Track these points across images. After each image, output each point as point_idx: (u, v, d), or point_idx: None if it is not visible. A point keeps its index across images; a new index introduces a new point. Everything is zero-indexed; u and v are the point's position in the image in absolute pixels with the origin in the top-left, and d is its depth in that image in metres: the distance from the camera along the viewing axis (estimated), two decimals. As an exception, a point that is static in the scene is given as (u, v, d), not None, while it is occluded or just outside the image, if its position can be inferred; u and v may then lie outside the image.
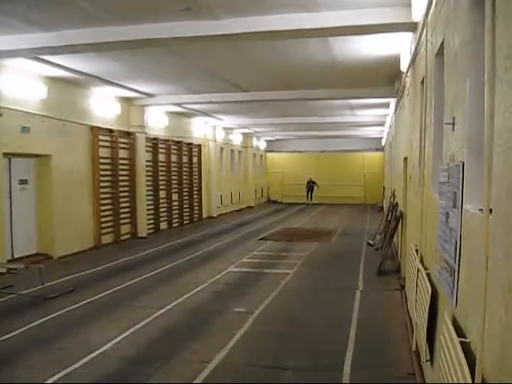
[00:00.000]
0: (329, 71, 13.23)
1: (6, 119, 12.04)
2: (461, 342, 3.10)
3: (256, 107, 20.81)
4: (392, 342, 7.18)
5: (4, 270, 11.43)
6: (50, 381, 5.77)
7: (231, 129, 29.42)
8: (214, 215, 26.31)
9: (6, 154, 12.38)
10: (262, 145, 38.04)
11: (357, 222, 24.22)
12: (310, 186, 36.37)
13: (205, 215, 25.50)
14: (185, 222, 22.88)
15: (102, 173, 16.23)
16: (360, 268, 12.49)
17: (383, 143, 30.93)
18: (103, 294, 9.91)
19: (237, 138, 31.47)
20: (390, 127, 19.97)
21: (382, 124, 25.32)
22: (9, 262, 12.19)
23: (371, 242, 16.19)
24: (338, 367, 6.18)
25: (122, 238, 17.43)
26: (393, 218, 13.02)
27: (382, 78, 14.02)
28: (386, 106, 18.99)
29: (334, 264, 13.27)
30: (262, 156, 38.86)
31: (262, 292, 10.05)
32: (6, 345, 7.09)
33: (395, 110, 15.60)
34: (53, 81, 13.53)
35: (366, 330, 7.73)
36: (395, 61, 10.95)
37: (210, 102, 17.93)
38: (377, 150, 35.02)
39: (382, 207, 26.68)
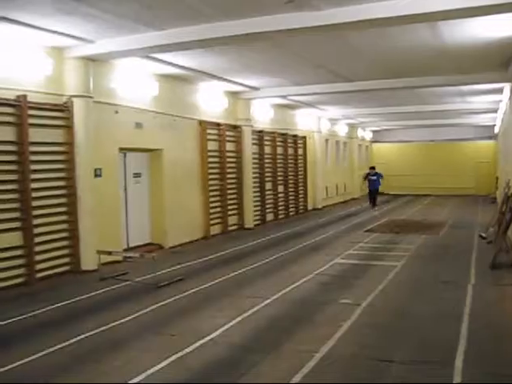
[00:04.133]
0: (437, 57, 12.64)
1: (121, 116, 12.72)
2: None
3: (361, 97, 20.45)
4: (507, 340, 6.80)
5: (121, 258, 12.15)
6: (164, 363, 6.03)
7: (336, 120, 29.11)
8: (320, 207, 26.22)
9: (121, 149, 13.10)
10: (368, 135, 37.32)
11: (467, 213, 23.07)
12: (374, 182, 25.80)
13: (310, 207, 25.49)
14: (290, 213, 23.00)
15: (210, 165, 16.67)
16: (472, 261, 11.91)
17: (496, 131, 29.32)
18: (211, 283, 10.19)
19: (342, 129, 31.14)
20: (505, 114, 18.86)
21: (495, 111, 24.01)
22: (125, 250, 12.94)
23: (483, 235, 15.38)
24: (449, 362, 5.91)
25: (230, 229, 17.82)
26: (508, 210, 12.32)
27: (495, 61, 13.23)
28: (500, 91, 17.90)
29: (443, 257, 12.76)
30: (367, 147, 38.13)
31: (369, 284, 9.88)
32: (122, 328, 7.49)
33: (510, 95, 14.71)
34: (163, 78, 14.10)
35: (479, 325, 7.34)
36: (510, 43, 10.30)
37: (315, 94, 17.90)
38: (489, 138, 33.14)
39: (495, 198, 25.32)
